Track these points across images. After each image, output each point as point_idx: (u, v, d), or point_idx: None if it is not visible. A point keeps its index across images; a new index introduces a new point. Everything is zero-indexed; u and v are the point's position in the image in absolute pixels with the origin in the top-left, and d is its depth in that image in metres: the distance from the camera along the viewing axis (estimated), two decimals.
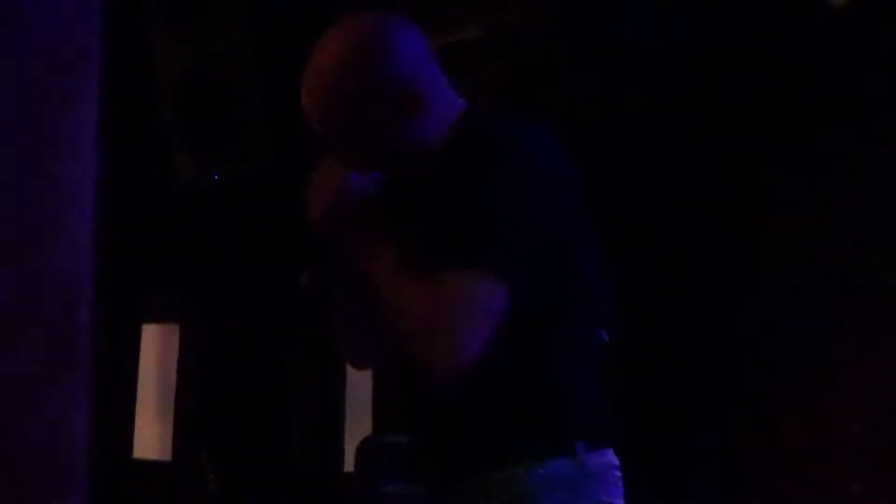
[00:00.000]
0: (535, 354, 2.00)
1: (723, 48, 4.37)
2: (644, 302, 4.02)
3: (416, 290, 1.92)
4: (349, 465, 5.21)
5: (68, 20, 1.31)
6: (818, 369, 4.20)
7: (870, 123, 4.14)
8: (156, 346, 5.87)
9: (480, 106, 2.16)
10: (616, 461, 2.05)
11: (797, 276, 4.29)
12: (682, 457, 4.13)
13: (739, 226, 4.46)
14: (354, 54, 2.05)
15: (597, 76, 4.11)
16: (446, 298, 1.89)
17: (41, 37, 1.30)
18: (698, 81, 4.41)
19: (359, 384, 5.22)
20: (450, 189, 1.98)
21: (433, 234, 1.98)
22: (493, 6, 3.84)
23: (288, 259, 5.46)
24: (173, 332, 5.82)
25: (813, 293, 4.24)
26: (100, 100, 1.39)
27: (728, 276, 4.45)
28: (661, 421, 4.12)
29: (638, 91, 4.32)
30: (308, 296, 2.16)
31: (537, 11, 3.90)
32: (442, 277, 1.89)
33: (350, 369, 5.38)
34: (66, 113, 1.33)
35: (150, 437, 5.77)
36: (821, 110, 4.26)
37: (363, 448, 4.18)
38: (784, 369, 4.27)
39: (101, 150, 1.42)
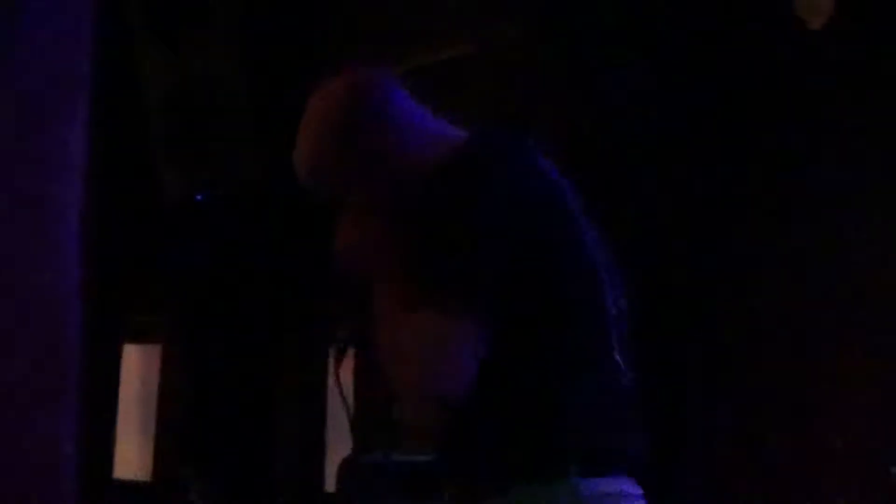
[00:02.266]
0: (528, 377, 1.96)
1: (706, 65, 4.40)
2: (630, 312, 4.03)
3: (396, 327, 1.93)
4: (330, 485, 5.20)
5: (60, 42, 1.32)
6: (803, 385, 4.22)
7: (857, 130, 4.18)
8: (137, 367, 5.85)
9: (473, 132, 2.15)
10: (626, 489, 1.97)
11: (783, 293, 4.32)
12: (666, 470, 4.14)
13: (724, 240, 4.48)
14: (342, 115, 2.08)
15: (587, 91, 4.13)
16: (418, 342, 1.89)
17: (33, 59, 1.30)
18: (687, 95, 4.43)
19: (341, 405, 5.20)
20: (426, 223, 1.99)
21: (417, 268, 1.99)
22: (484, 23, 3.86)
23: (270, 280, 5.45)
24: (155, 352, 5.80)
25: (798, 310, 4.26)
26: (89, 122, 1.39)
27: (713, 291, 4.47)
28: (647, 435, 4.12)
29: (628, 105, 4.35)
30: (338, 321, 2.17)
31: (528, 28, 3.92)
32: (416, 319, 1.90)
33: (331, 390, 5.38)
34: (56, 134, 1.33)
35: (131, 457, 5.75)
36: (804, 119, 4.30)
37: (344, 469, 4.17)
38: (769, 385, 4.29)
39: (90, 172, 1.42)
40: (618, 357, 2.03)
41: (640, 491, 1.99)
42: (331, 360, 2.28)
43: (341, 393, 2.35)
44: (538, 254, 1.96)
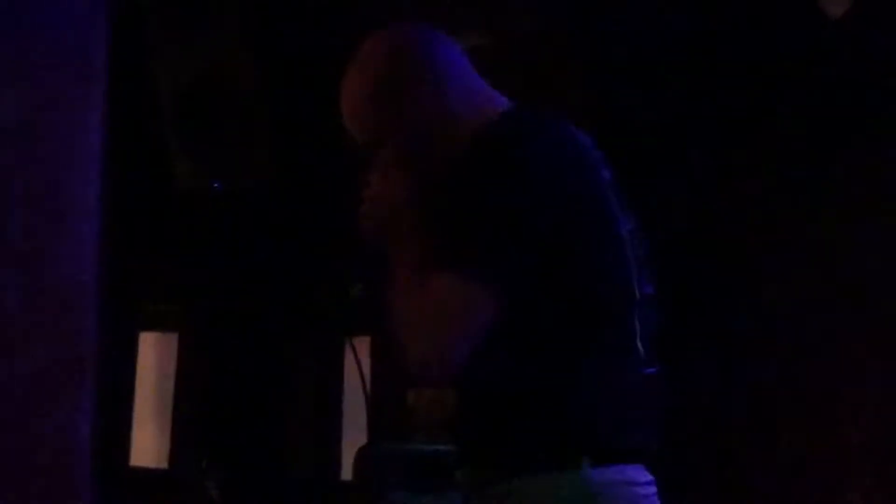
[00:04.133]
0: (543, 363, 1.94)
1: (724, 57, 4.39)
2: None
3: (412, 293, 1.93)
4: (347, 473, 5.21)
5: (76, 34, 1.32)
6: (818, 379, 4.21)
7: (872, 130, 4.16)
8: (154, 354, 5.86)
9: (523, 104, 2.13)
10: (639, 478, 1.96)
11: (797, 286, 4.30)
12: (680, 464, 4.14)
13: (741, 233, 4.47)
14: (390, 58, 2.09)
15: (602, 85, 4.12)
16: (431, 302, 1.89)
17: (50, 51, 1.31)
18: (702, 91, 4.42)
19: (356, 392, 5.21)
20: (453, 192, 1.98)
21: (440, 238, 1.97)
22: (498, 15, 3.86)
23: (286, 267, 5.46)
24: (171, 340, 5.82)
25: (814, 302, 4.25)
26: (105, 111, 1.40)
27: (727, 284, 4.46)
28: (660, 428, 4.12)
29: (643, 100, 4.34)
30: (360, 305, 2.17)
31: (543, 21, 3.91)
32: (432, 281, 1.89)
33: (347, 377, 5.39)
34: (73, 125, 1.34)
35: (148, 445, 5.77)
36: (821, 117, 4.28)
37: (362, 456, 4.17)
38: (784, 378, 4.28)
39: (106, 161, 1.42)
40: (639, 344, 2.01)
41: (651, 478, 1.99)
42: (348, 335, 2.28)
43: (360, 369, 2.35)
44: (565, 235, 1.94)
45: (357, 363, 2.28)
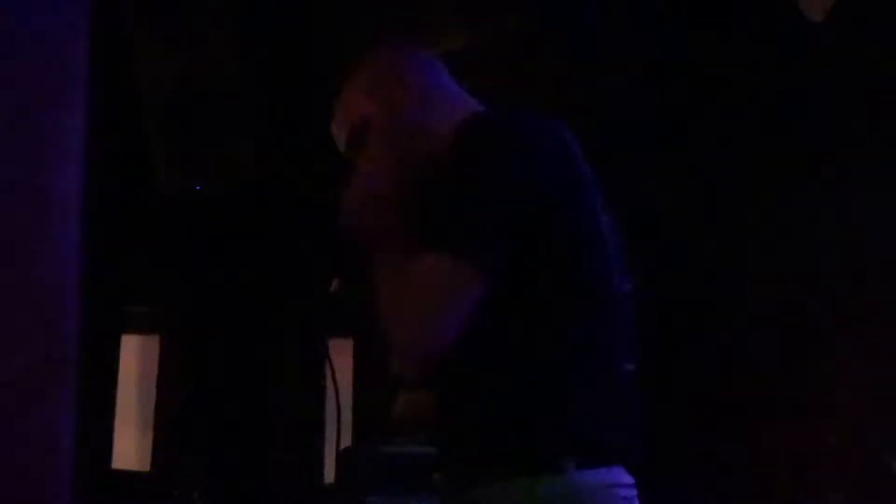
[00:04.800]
0: (525, 365, 1.95)
1: (707, 59, 4.40)
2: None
3: (396, 277, 1.94)
4: (329, 476, 5.21)
5: (58, 37, 1.32)
6: (796, 380, 4.22)
7: (857, 130, 4.18)
8: (136, 357, 5.85)
9: (490, 107, 2.19)
10: (622, 479, 1.97)
11: (779, 289, 4.32)
12: (660, 466, 4.14)
13: (722, 235, 4.48)
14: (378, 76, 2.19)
15: (585, 86, 4.13)
16: (415, 282, 1.90)
17: (32, 53, 1.31)
18: (689, 89, 4.43)
19: (340, 395, 5.21)
20: (436, 182, 2.00)
21: (424, 228, 1.99)
22: (482, 16, 3.86)
23: (270, 270, 5.46)
24: (153, 342, 5.80)
25: (793, 306, 4.27)
26: (87, 113, 1.40)
27: (709, 287, 4.47)
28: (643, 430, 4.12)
29: (626, 100, 4.35)
30: (337, 302, 2.18)
31: (526, 22, 3.92)
32: (415, 263, 1.91)
33: (330, 379, 5.38)
34: (55, 127, 1.34)
35: (129, 448, 5.75)
36: (805, 120, 4.30)
37: (344, 458, 4.17)
38: (763, 380, 4.29)
39: (88, 163, 1.42)
40: (620, 343, 2.02)
41: (632, 480, 2.00)
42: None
43: (333, 377, 2.36)
44: (545, 226, 1.96)
45: (331, 369, 2.28)
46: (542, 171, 1.98)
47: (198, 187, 4.69)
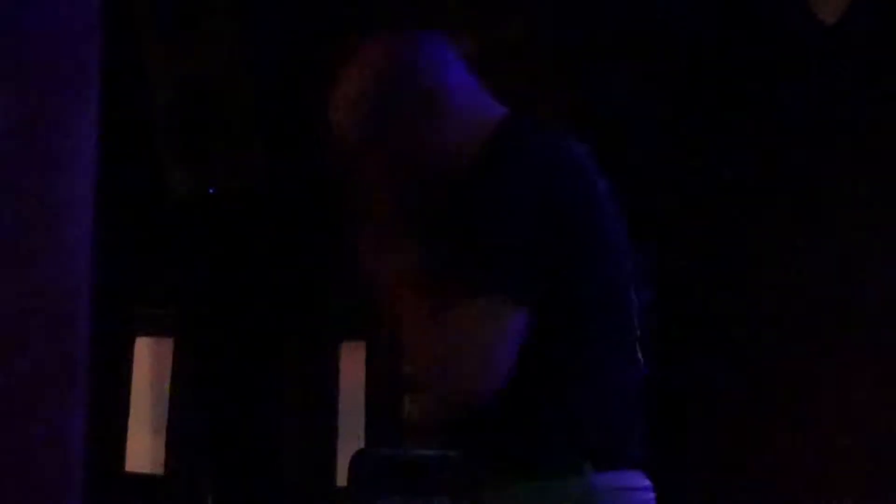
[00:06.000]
0: (544, 369, 1.94)
1: (716, 58, 4.39)
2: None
3: (431, 328, 1.89)
4: (342, 479, 5.21)
5: (68, 37, 1.32)
6: (808, 382, 4.21)
7: (866, 130, 4.17)
8: (149, 360, 5.86)
9: (519, 116, 2.09)
10: (640, 483, 1.98)
11: (788, 289, 4.31)
12: (671, 469, 4.13)
13: (729, 236, 4.47)
14: (380, 71, 2.05)
15: (589, 92, 4.12)
16: (459, 329, 1.86)
17: (41, 54, 1.31)
18: (693, 92, 4.43)
19: (351, 398, 5.22)
20: (465, 210, 1.95)
21: (453, 256, 1.95)
22: (486, 23, 3.86)
23: (283, 272, 5.46)
24: (167, 345, 5.81)
25: (803, 307, 4.26)
26: (98, 115, 1.40)
27: (717, 288, 4.46)
28: (650, 432, 4.12)
29: (631, 106, 4.34)
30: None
31: (531, 28, 3.92)
32: (451, 309, 1.87)
33: (343, 382, 5.39)
34: (66, 129, 1.34)
35: (143, 451, 5.76)
36: (814, 118, 4.29)
37: (356, 461, 4.17)
38: (775, 382, 4.28)
39: (100, 165, 1.42)
40: (638, 349, 2.03)
41: (649, 483, 2.00)
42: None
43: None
44: (567, 247, 1.95)
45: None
46: (563, 196, 1.96)
47: (211, 190, 4.70)
